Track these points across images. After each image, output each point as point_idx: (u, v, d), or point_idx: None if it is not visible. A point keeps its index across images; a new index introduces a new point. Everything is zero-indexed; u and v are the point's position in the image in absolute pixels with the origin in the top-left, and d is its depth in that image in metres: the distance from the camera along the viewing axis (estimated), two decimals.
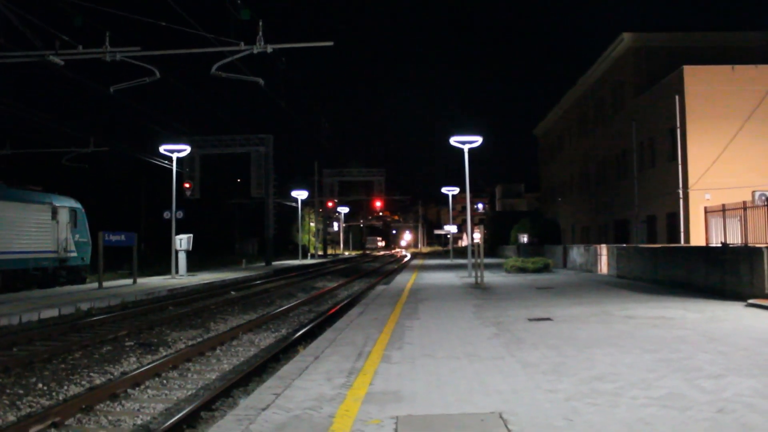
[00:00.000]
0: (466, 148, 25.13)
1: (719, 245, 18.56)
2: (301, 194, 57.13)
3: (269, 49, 17.86)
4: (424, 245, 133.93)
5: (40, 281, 22.86)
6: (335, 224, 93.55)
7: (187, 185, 42.07)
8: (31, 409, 7.75)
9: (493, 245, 59.30)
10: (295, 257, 60.37)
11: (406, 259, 58.52)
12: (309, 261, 55.38)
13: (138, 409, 7.70)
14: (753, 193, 23.13)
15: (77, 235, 25.16)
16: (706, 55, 28.63)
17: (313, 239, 77.76)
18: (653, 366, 7.00)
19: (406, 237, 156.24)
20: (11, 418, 7.39)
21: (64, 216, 24.30)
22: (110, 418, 7.36)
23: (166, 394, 8.44)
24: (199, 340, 12.70)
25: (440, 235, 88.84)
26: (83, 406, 7.52)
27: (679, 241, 25.46)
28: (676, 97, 26.00)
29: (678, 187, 25.79)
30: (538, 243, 44.82)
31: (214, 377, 9.45)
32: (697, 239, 24.34)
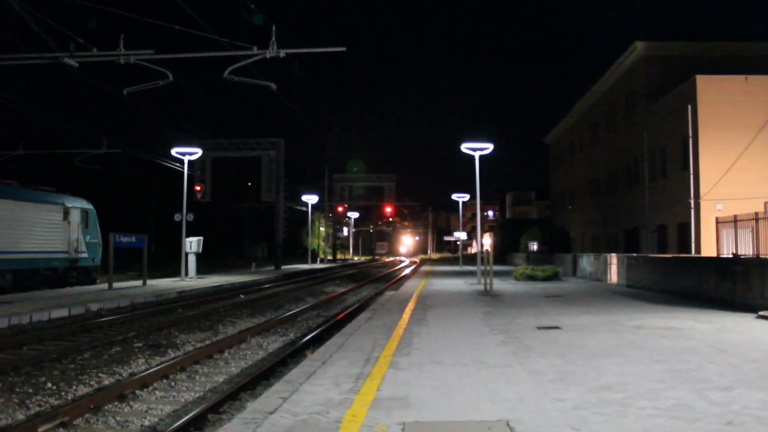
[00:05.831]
0: (477, 155, 25.08)
1: (730, 256, 18.45)
2: (311, 199, 57.10)
3: (282, 53, 17.93)
4: (433, 251, 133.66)
5: (50, 281, 23.01)
6: (345, 229, 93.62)
7: (198, 188, 42.30)
8: (40, 408, 7.80)
9: (503, 253, 59.14)
10: (305, 261, 60.45)
11: (411, 268, 54.89)
12: (318, 265, 55.39)
13: (146, 411, 7.73)
14: (765, 204, 23.00)
15: (88, 236, 25.33)
16: (719, 65, 28.49)
17: (322, 244, 77.80)
18: (662, 376, 6.97)
19: (406, 242, 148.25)
20: (20, 416, 7.44)
21: (75, 217, 24.47)
22: (118, 418, 7.39)
23: (173, 396, 8.47)
24: (207, 342, 12.74)
25: (450, 241, 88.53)
26: (91, 407, 7.56)
27: (689, 252, 25.30)
28: (689, 106, 25.90)
29: (689, 197, 25.66)
30: (548, 251, 44.67)
31: (221, 380, 9.47)
32: (708, 250, 24.18)
